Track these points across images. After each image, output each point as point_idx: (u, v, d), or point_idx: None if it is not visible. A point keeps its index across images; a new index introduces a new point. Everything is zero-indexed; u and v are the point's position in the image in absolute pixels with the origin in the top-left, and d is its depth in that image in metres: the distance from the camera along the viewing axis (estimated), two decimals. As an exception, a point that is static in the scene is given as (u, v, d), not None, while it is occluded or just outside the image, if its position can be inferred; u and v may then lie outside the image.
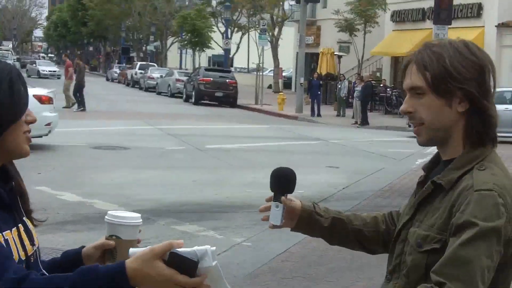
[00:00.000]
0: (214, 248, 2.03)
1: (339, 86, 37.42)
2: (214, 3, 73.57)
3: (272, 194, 2.71)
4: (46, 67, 73.78)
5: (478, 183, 2.22)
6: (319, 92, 36.96)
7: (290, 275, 8.18)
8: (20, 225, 2.21)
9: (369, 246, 2.79)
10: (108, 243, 2.37)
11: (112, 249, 2.38)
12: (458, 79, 2.28)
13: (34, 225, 2.37)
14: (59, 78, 62.39)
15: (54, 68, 74.58)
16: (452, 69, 2.28)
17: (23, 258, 2.16)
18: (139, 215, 2.41)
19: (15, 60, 72.74)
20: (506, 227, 2.18)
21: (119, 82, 71.61)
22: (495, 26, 38.03)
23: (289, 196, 2.69)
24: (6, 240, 2.10)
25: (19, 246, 2.16)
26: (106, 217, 2.37)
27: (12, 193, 2.24)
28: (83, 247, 2.47)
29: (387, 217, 2.78)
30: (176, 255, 1.99)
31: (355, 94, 33.44)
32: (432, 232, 2.28)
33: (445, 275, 2.12)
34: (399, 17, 46.52)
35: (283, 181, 2.68)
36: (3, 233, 2.11)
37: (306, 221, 2.73)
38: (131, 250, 2.09)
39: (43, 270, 2.28)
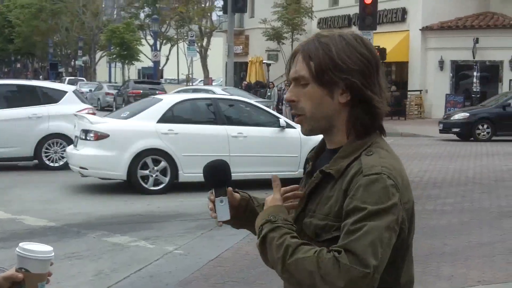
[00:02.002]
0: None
1: (269, 94, 37.67)
2: (142, 16, 73.32)
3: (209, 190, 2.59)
4: None
5: (366, 168, 2.24)
6: (248, 101, 37.10)
7: (222, 280, 8.23)
8: None
9: None
10: (17, 275, 2.37)
11: (21, 282, 2.37)
12: (342, 69, 2.29)
13: None
14: None
15: None
16: (337, 59, 2.29)
17: None
18: (51, 248, 2.40)
19: None
20: (398, 206, 2.21)
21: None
22: (419, 29, 38.75)
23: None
24: None
25: None
26: (16, 249, 2.36)
27: None
28: None
29: None
30: None
31: (284, 101, 33.70)
32: (329, 220, 2.29)
33: (340, 246, 2.16)
34: (326, 24, 47.06)
35: (219, 174, 2.56)
36: None
37: (243, 210, 2.66)
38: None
39: None
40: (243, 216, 2.66)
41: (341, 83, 2.30)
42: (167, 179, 14.15)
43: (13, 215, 11.85)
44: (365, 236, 2.13)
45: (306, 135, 2.45)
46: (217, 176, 2.55)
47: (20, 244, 2.37)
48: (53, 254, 2.39)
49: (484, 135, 27.08)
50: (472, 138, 26.82)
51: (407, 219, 2.27)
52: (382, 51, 31.67)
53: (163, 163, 14.10)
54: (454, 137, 27.51)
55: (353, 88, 2.31)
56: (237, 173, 13.32)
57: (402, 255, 2.32)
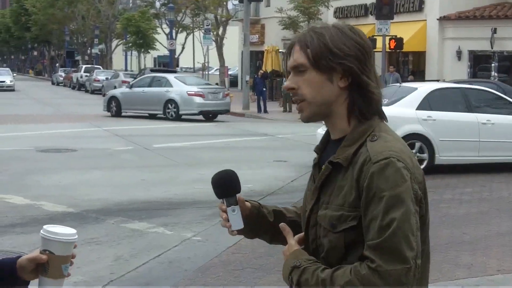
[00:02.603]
0: None
1: (285, 83, 37.65)
2: (157, 4, 73.29)
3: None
4: None
5: (374, 155, 2.25)
6: (264, 89, 37.08)
7: (240, 266, 8.26)
8: None
9: None
10: (41, 257, 2.39)
11: (45, 263, 2.39)
12: (338, 54, 2.33)
13: None
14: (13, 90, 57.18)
15: (5, 77, 59.63)
16: (332, 45, 2.34)
17: None
18: (74, 231, 2.42)
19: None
20: (414, 186, 2.24)
21: (64, 85, 70.89)
22: (437, 19, 38.53)
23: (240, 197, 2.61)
24: None
25: None
26: (41, 231, 2.38)
27: None
28: (20, 256, 2.48)
29: None
30: None
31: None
32: (344, 211, 2.29)
33: (371, 249, 2.16)
34: (342, 13, 46.85)
35: (228, 184, 2.55)
36: None
37: (255, 217, 2.66)
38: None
39: None
40: (255, 224, 2.66)
41: (338, 68, 2.35)
42: (425, 162, 15.23)
43: (32, 201, 11.91)
44: (396, 232, 2.15)
45: (306, 122, 2.46)
46: (226, 186, 2.54)
47: (45, 227, 2.39)
48: (76, 237, 2.42)
49: None
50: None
51: (423, 197, 2.30)
52: (399, 40, 31.55)
53: (417, 144, 15.36)
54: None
55: (351, 73, 2.35)
56: (485, 157, 15.75)
57: (424, 236, 2.34)
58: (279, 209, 2.76)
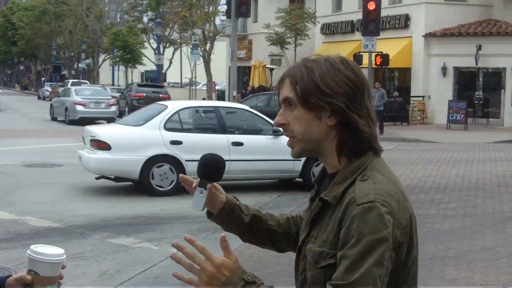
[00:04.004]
0: None
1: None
2: (145, 19, 73.35)
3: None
4: None
5: (360, 196, 2.23)
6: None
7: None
8: None
9: (279, 246, 2.81)
10: (26, 277, 2.38)
11: (30, 284, 2.38)
12: (326, 93, 2.31)
13: None
14: None
15: None
16: (321, 83, 2.31)
17: None
18: (62, 251, 2.40)
19: None
20: (395, 232, 2.21)
21: (50, 100, 70.60)
22: (422, 36, 38.80)
23: (216, 185, 2.66)
24: None
25: None
26: (27, 251, 2.37)
27: None
28: (9, 276, 2.48)
29: (298, 220, 2.81)
30: None
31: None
32: (325, 248, 2.29)
33: (339, 287, 2.15)
34: (329, 29, 47.08)
35: (210, 168, 2.62)
36: None
37: (227, 213, 2.70)
38: None
39: None
40: (226, 219, 2.70)
41: (326, 106, 2.32)
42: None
43: (17, 216, 11.89)
44: (366, 274, 2.14)
45: (297, 158, 2.47)
46: (209, 170, 2.60)
47: (31, 247, 2.37)
48: (63, 257, 2.39)
49: None
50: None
51: (406, 242, 2.27)
52: (385, 57, 31.74)
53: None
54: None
55: (340, 111, 2.33)
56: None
57: (405, 276, 2.33)
58: (260, 215, 2.76)
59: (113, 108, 38.01)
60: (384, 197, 2.22)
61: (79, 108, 36.83)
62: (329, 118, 2.33)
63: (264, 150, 14.91)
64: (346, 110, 2.31)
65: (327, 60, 2.37)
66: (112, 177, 14.78)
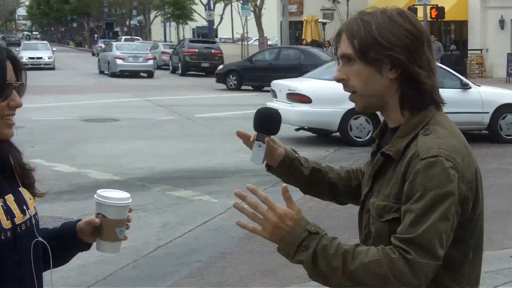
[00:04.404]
0: None
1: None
2: (196, -25, 73.14)
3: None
4: (30, 52, 47.32)
5: (423, 151, 2.21)
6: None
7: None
8: (9, 195, 2.30)
9: (340, 198, 2.81)
10: (94, 220, 2.45)
11: (99, 227, 2.44)
12: (385, 46, 2.26)
13: (36, 196, 2.45)
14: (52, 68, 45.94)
15: (42, 53, 48.02)
16: (379, 36, 2.27)
17: (7, 227, 2.24)
18: (128, 195, 2.46)
19: (0, 39, 70.32)
20: (460, 187, 2.19)
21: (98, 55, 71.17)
22: (479, -13, 38.09)
23: (274, 138, 2.68)
24: None
25: (2, 216, 2.23)
26: (95, 195, 2.43)
27: (2, 167, 2.33)
28: (79, 220, 2.55)
29: (358, 173, 2.80)
30: None
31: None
32: (389, 202, 2.28)
33: (404, 241, 2.14)
34: (383, -18, 46.44)
35: (267, 121, 2.64)
36: None
37: (287, 166, 2.72)
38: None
39: (40, 238, 2.36)
40: (286, 172, 2.72)
41: (386, 59, 2.28)
42: None
43: (79, 169, 12.09)
44: (431, 228, 2.13)
45: (361, 112, 2.48)
46: (265, 123, 2.62)
47: (98, 191, 2.43)
48: (129, 201, 2.45)
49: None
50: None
51: (471, 197, 2.25)
52: (441, 10, 31.25)
53: None
54: None
55: (400, 64, 2.28)
56: None
57: (471, 232, 2.31)
58: (320, 168, 2.76)
59: (150, 62, 40.46)
60: (448, 151, 2.20)
61: (119, 62, 39.57)
62: (390, 71, 2.30)
63: (454, 103, 15.08)
64: (407, 63, 2.27)
65: (384, 12, 2.32)
66: (306, 128, 15.75)
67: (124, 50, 40.84)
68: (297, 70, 29.46)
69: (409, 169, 2.21)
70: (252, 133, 2.67)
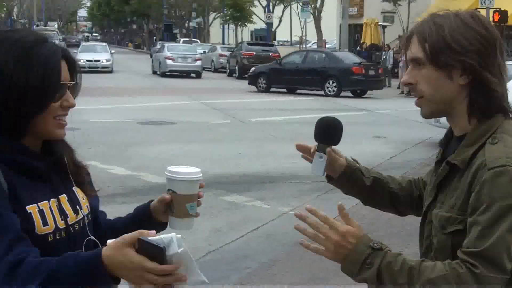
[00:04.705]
0: (180, 235, 2.02)
1: (384, 57, 37.12)
2: (255, -23, 73.37)
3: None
4: (88, 54, 45.09)
5: (490, 160, 2.15)
6: (367, 63, 36.78)
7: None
8: (63, 195, 2.30)
9: (401, 209, 2.77)
10: (164, 197, 2.44)
11: (170, 203, 2.42)
12: (457, 50, 2.21)
13: (88, 195, 2.46)
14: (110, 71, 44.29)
15: (100, 55, 45.70)
16: (451, 40, 2.22)
17: (62, 226, 2.25)
18: (198, 170, 2.42)
19: (61, 40, 70.85)
20: None
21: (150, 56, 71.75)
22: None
23: (334, 148, 2.67)
24: (41, 210, 2.20)
25: (57, 215, 2.24)
26: (165, 172, 2.41)
27: (56, 165, 2.33)
28: (152, 200, 2.56)
29: (420, 183, 2.75)
30: (144, 242, 2.00)
31: (400, 64, 33.17)
32: (453, 213, 2.22)
33: (472, 255, 2.09)
34: (444, -15, 45.95)
35: (329, 131, 2.64)
36: (38, 203, 2.21)
37: (348, 176, 2.71)
38: (108, 242, 2.08)
39: (91, 236, 2.38)
40: (347, 182, 2.72)
41: (458, 64, 2.22)
42: None
43: (133, 172, 12.18)
44: (499, 241, 2.07)
45: (426, 118, 2.39)
46: (326, 134, 2.63)
47: (169, 167, 2.40)
48: (200, 175, 2.42)
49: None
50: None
51: None
52: (504, 13, 30.75)
53: None
54: None
55: (472, 70, 2.22)
56: None
57: None
58: (381, 178, 2.75)
59: (198, 63, 42.66)
60: None
61: (169, 62, 41.89)
62: (461, 77, 2.24)
63: None
64: (478, 68, 2.21)
65: (457, 15, 2.27)
66: None
67: (175, 51, 43.18)
68: (320, 74, 29.80)
69: (476, 179, 2.15)
70: (311, 143, 2.66)
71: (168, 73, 41.65)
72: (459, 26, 2.24)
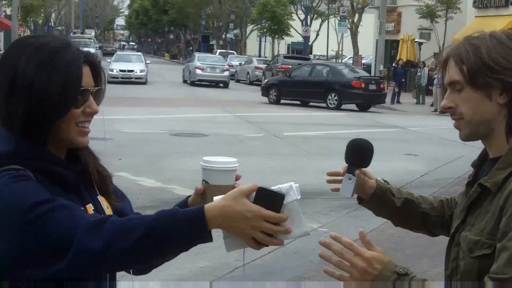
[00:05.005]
0: (297, 184, 2.09)
1: (419, 74, 36.93)
2: (294, -10, 73.48)
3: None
4: (122, 64, 43.35)
5: None
6: (403, 79, 36.63)
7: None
8: (89, 205, 2.29)
9: (433, 230, 2.76)
10: (197, 187, 2.40)
11: (203, 194, 2.37)
12: (495, 69, 2.19)
13: (112, 204, 2.44)
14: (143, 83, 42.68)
15: (135, 65, 43.75)
16: (489, 59, 2.20)
17: None
18: (234, 159, 2.39)
19: (97, 48, 70.96)
20: None
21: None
22: None
23: (364, 170, 2.69)
24: None
25: None
26: (201, 161, 2.36)
27: (82, 175, 2.31)
28: (189, 196, 2.52)
29: (452, 203, 2.73)
30: (264, 190, 2.06)
31: (435, 82, 33.00)
32: (482, 237, 2.20)
33: (499, 281, 2.05)
34: (482, 3, 45.60)
35: (358, 153, 2.65)
36: None
37: (379, 198, 2.73)
38: (215, 198, 2.08)
39: None
40: (377, 204, 2.74)
41: (497, 83, 2.20)
42: None
43: (164, 184, 12.21)
44: None
45: (465, 140, 2.35)
46: (356, 156, 2.65)
47: (204, 157, 2.35)
48: (236, 165, 2.39)
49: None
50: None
51: None
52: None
53: None
54: None
55: (511, 88, 2.20)
56: None
57: None
58: (412, 198, 2.74)
59: (226, 73, 44.92)
60: None
61: (198, 71, 44.24)
62: (500, 96, 2.22)
63: None
64: None
65: (492, 36, 2.25)
66: None
67: (205, 62, 45.55)
68: (323, 86, 30.90)
69: (507, 203, 2.11)
70: (342, 158, 2.68)
71: (197, 82, 44.07)
72: (495, 45, 2.22)
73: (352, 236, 8.04)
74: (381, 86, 31.80)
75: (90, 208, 2.28)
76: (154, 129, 19.81)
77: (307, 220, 7.84)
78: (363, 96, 30.79)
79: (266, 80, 35.10)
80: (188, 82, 45.07)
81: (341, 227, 9.75)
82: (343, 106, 31.00)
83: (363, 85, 30.45)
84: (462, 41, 2.31)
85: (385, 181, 2.77)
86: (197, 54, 50.41)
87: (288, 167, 14.54)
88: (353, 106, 31.29)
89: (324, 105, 31.10)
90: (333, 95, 30.99)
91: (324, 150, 17.12)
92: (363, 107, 31.38)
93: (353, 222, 10.11)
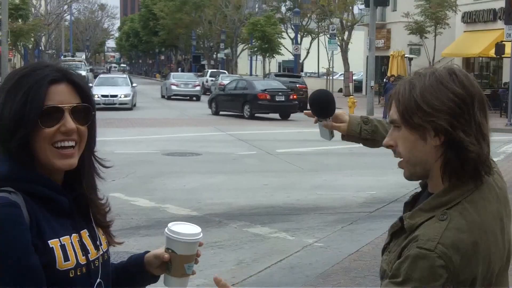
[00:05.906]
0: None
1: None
2: (283, 9, 73.73)
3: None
4: (104, 88, 39.00)
5: (422, 239, 2.10)
6: (393, 95, 36.76)
7: (362, 274, 8.18)
8: (84, 231, 2.28)
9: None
10: (163, 255, 2.40)
11: (168, 262, 2.40)
12: (426, 111, 2.14)
13: (105, 228, 2.43)
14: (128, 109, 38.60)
15: (119, 89, 39.52)
16: (422, 100, 2.15)
17: (83, 262, 2.22)
18: (199, 230, 2.40)
19: (88, 70, 71.09)
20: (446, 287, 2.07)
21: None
22: None
23: (336, 114, 3.03)
24: (63, 245, 2.18)
25: (78, 251, 2.22)
26: (165, 229, 2.38)
27: (76, 201, 2.29)
28: (147, 252, 2.52)
29: None
30: None
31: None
32: (388, 269, 2.22)
33: None
34: (470, 18, 45.89)
35: (319, 107, 3.01)
36: (60, 238, 2.18)
37: (355, 136, 3.08)
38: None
39: (100, 279, 2.33)
40: (357, 140, 3.11)
41: (428, 126, 2.16)
42: None
43: (157, 204, 12.19)
44: None
45: (408, 180, 2.33)
46: (317, 109, 3.02)
47: (169, 225, 2.37)
48: (200, 236, 2.38)
49: None
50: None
51: None
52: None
53: None
54: None
55: (443, 131, 2.15)
56: None
57: None
58: (379, 125, 3.10)
59: (197, 88, 52.41)
60: (446, 248, 2.06)
61: (173, 87, 51.40)
62: (434, 138, 2.16)
63: None
64: (450, 129, 2.13)
65: (433, 73, 2.19)
66: None
67: (178, 79, 53.36)
68: (241, 98, 35.01)
69: (408, 246, 2.12)
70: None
71: (173, 97, 50.86)
72: (432, 85, 2.15)
73: (347, 250, 8.13)
74: (290, 97, 34.91)
75: (85, 233, 2.27)
76: (147, 150, 19.81)
77: (302, 235, 7.86)
78: (271, 107, 34.30)
79: (210, 95, 40.90)
80: (166, 97, 52.14)
81: (336, 241, 9.75)
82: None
83: (268, 97, 33.94)
84: (408, 77, 2.26)
85: (363, 119, 3.08)
86: (172, 73, 58.80)
87: (282, 184, 14.53)
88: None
89: (242, 114, 34.87)
90: (247, 106, 34.75)
91: (317, 166, 17.13)
92: (283, 116, 34.65)
93: (348, 236, 10.12)
